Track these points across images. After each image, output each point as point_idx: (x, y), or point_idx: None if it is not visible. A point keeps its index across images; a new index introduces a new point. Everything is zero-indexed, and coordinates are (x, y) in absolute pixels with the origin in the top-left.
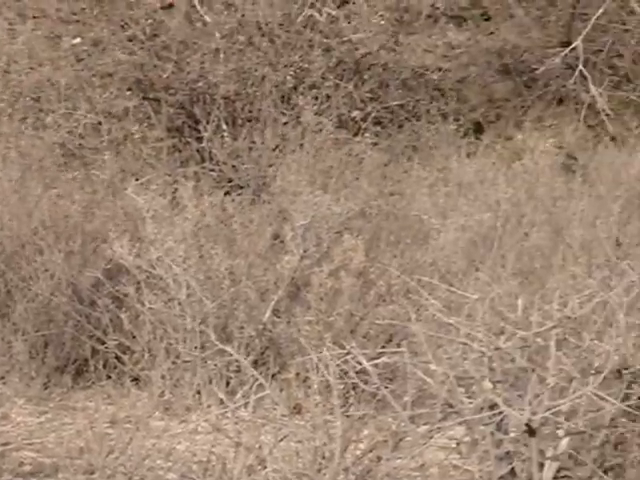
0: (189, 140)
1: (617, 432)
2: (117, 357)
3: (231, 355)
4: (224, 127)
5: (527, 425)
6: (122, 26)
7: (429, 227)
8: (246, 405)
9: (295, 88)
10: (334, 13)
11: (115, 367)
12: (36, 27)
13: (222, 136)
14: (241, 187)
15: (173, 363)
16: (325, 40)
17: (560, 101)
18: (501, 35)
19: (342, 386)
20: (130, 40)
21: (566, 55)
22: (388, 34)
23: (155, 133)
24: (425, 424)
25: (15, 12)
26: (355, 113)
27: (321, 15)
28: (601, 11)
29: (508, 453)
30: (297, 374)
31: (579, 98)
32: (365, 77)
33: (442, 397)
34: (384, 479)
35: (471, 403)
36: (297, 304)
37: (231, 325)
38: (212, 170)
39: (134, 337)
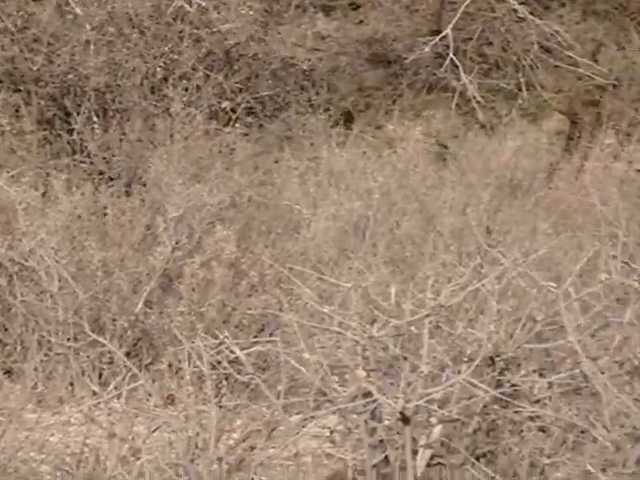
0: (60, 132)
1: (489, 419)
2: None
3: (104, 346)
4: (95, 119)
5: (401, 413)
6: None
7: (300, 217)
8: (119, 396)
9: (165, 79)
10: (204, 4)
11: None
12: None
13: (93, 128)
14: (113, 179)
15: (46, 355)
16: (195, 31)
17: (430, 89)
18: (370, 24)
19: (215, 376)
20: (0, 33)
21: (436, 44)
22: (257, 25)
23: (26, 125)
24: (298, 413)
25: None
26: (225, 104)
27: (191, 6)
28: None
29: (382, 441)
30: (170, 365)
31: (449, 86)
32: (235, 68)
33: (315, 386)
34: (258, 468)
35: (345, 392)
36: (169, 295)
37: (104, 316)
38: (83, 162)
39: (6, 329)
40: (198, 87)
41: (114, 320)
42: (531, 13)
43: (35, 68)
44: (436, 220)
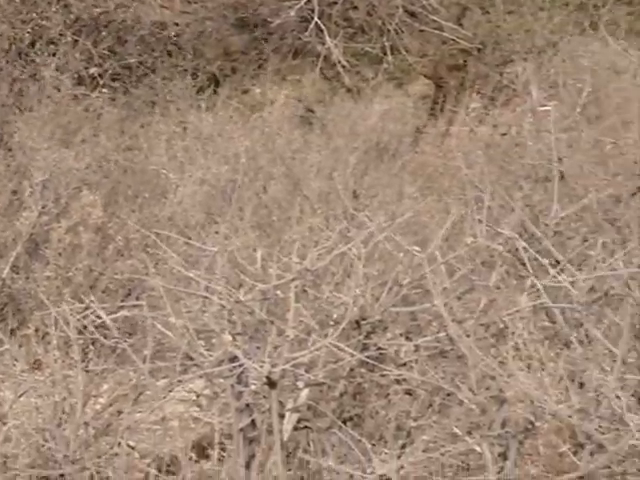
0: None
1: (356, 382)
2: None
3: None
4: None
5: (267, 377)
6: None
7: (167, 181)
8: None
9: (33, 44)
10: None
11: None
12: None
13: None
14: None
15: None
16: None
17: (296, 54)
18: None
19: (82, 341)
20: None
21: (301, 7)
22: None
23: None
24: (165, 377)
25: None
26: (93, 69)
27: None
28: None
29: (248, 405)
30: (36, 330)
31: (315, 50)
32: (103, 34)
33: (182, 350)
34: (125, 433)
35: (211, 356)
36: (36, 260)
37: None
38: None
39: None
40: (66, 53)
41: None
42: None
43: None
44: (303, 184)
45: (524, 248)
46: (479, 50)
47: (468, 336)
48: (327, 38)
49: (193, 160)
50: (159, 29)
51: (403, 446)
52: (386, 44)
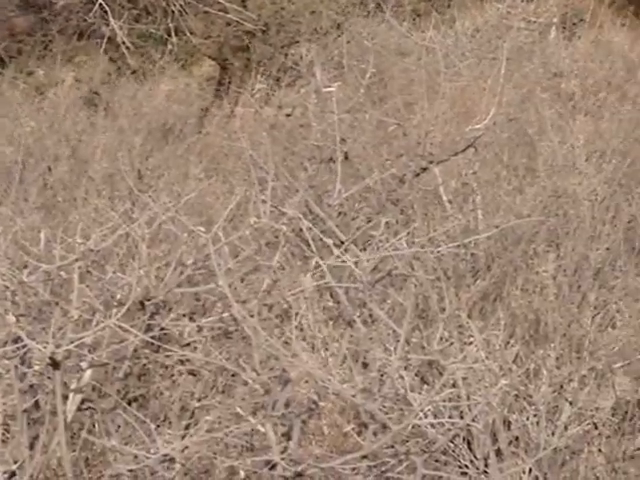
0: None
1: (140, 363)
2: None
3: None
4: None
5: (50, 358)
6: None
7: None
8: None
9: None
10: None
11: None
12: None
13: None
14: None
15: None
16: None
17: (81, 35)
18: None
19: None
20: None
21: None
22: None
23: None
24: None
25: None
26: None
27: None
28: None
29: (32, 386)
30: None
31: (100, 32)
32: None
33: None
34: None
35: None
36: None
37: None
38: None
39: None
40: None
41: None
42: None
43: None
44: (88, 165)
45: (308, 228)
46: (263, 32)
47: (252, 316)
48: (111, 20)
49: None
50: None
51: (187, 426)
52: (170, 25)
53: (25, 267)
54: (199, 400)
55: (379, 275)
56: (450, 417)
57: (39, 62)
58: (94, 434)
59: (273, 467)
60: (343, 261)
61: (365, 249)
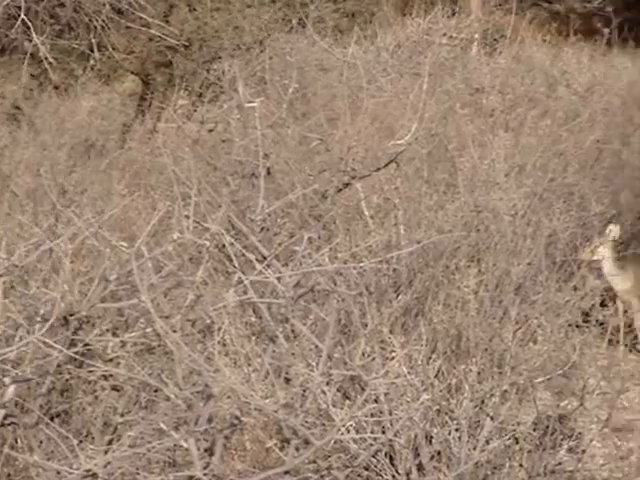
0: None
1: (63, 379)
2: None
3: None
4: None
5: None
6: None
7: None
8: None
9: None
10: None
11: None
12: None
13: None
14: None
15: None
16: None
17: (3, 51)
18: None
19: None
20: None
21: (8, 4)
22: None
23: None
24: None
25: None
26: None
27: None
28: None
29: None
30: None
31: (22, 48)
32: None
33: None
34: None
35: None
36: None
37: None
38: None
39: None
40: None
41: None
42: None
43: None
44: (10, 180)
45: (231, 244)
46: (186, 47)
47: (175, 332)
48: (34, 35)
49: None
50: None
51: (110, 442)
52: (93, 41)
53: None
54: (122, 415)
55: (302, 290)
56: (372, 432)
57: None
58: (17, 449)
59: None
60: (265, 276)
61: (288, 264)
